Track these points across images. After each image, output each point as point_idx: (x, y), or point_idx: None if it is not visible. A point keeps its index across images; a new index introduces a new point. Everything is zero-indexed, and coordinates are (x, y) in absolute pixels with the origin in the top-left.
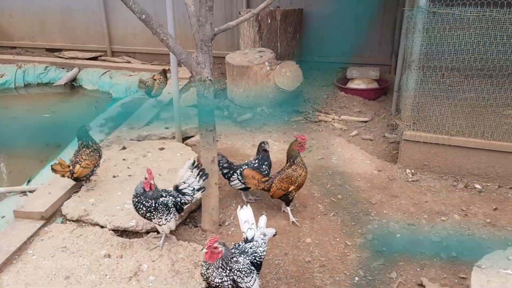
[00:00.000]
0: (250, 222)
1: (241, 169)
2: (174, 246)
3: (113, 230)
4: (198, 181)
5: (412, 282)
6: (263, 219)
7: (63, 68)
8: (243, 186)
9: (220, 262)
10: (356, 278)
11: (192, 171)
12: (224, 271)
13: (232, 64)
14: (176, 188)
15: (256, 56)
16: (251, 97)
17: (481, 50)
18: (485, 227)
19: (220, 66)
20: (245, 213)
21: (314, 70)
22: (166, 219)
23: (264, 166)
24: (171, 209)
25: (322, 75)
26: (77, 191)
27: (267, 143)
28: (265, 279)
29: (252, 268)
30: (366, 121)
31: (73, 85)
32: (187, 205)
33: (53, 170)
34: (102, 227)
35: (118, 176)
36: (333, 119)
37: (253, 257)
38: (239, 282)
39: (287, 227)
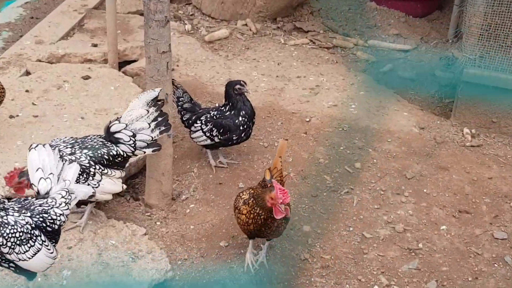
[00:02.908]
0: (47, 170)
1: (208, 116)
2: (102, 226)
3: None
4: (152, 131)
5: None
6: (72, 168)
7: None
8: (209, 141)
9: None
10: (376, 287)
11: (148, 110)
12: None
13: None
14: (108, 130)
15: None
16: (228, 4)
17: None
18: None
19: None
20: (39, 156)
21: None
22: (88, 184)
23: (240, 118)
24: (92, 168)
25: None
26: None
27: (244, 83)
28: (239, 281)
29: (37, 233)
30: (407, 50)
31: None
32: (125, 159)
33: None
34: None
35: (18, 116)
36: (355, 45)
37: (41, 219)
38: (4, 253)
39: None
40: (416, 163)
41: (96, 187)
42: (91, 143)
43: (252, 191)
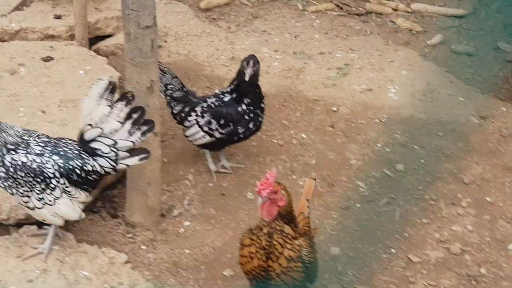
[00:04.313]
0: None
1: (205, 105)
2: (71, 253)
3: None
4: (130, 133)
5: None
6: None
7: None
8: (208, 137)
9: None
10: None
11: (111, 106)
12: None
13: None
14: (81, 138)
15: None
16: None
17: None
18: None
19: None
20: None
21: None
22: (42, 197)
23: (244, 107)
24: (55, 180)
25: None
26: None
27: (255, 60)
28: None
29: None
30: (462, 16)
31: None
32: (101, 177)
33: None
34: None
35: None
36: (395, 10)
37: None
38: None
39: None
40: (476, 164)
41: (49, 205)
42: (64, 149)
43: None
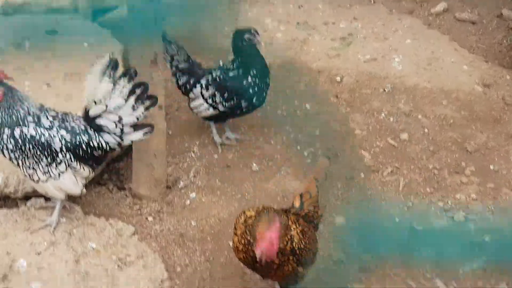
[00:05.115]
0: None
1: (210, 77)
2: (79, 225)
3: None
4: (133, 109)
5: None
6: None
7: None
8: (212, 110)
9: None
10: None
11: (114, 83)
12: None
13: None
14: (86, 115)
15: None
16: None
17: None
18: None
19: None
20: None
21: None
22: (47, 171)
23: (250, 79)
24: (61, 154)
25: None
26: None
27: (256, 32)
28: None
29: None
30: None
31: None
32: (106, 153)
33: None
34: None
35: None
36: None
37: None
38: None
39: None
40: (480, 132)
41: (53, 179)
42: (72, 124)
43: (261, 210)
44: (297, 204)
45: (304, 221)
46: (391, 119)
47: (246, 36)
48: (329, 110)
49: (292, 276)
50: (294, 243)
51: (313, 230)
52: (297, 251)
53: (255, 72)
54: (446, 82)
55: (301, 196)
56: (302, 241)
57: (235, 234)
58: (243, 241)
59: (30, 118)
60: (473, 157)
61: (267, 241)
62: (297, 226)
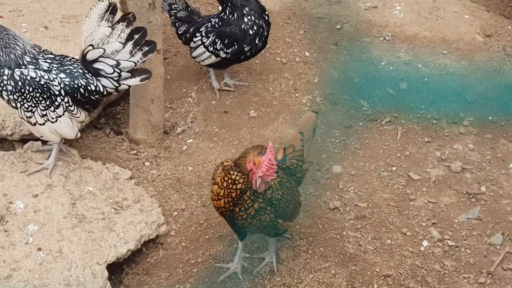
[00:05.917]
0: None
1: (209, 25)
2: (76, 169)
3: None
4: (131, 54)
5: None
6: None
7: None
8: (214, 57)
9: None
10: (425, 242)
11: (112, 27)
12: None
13: None
14: (84, 58)
15: None
16: None
17: None
18: None
19: None
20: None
21: None
22: (45, 114)
23: (246, 19)
24: (60, 97)
25: None
26: None
27: None
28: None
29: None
30: None
31: None
32: (103, 97)
33: None
34: None
35: None
36: None
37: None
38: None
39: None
40: (479, 82)
41: (51, 122)
42: (70, 67)
43: (238, 157)
44: (279, 157)
45: (285, 173)
46: (391, 68)
47: None
48: (328, 57)
49: (271, 227)
50: (271, 193)
51: (293, 183)
52: (274, 202)
53: (247, 10)
54: (446, 31)
55: (284, 149)
56: (279, 192)
57: (214, 183)
58: (225, 184)
59: (28, 58)
60: (472, 107)
61: (266, 171)
62: (276, 177)
